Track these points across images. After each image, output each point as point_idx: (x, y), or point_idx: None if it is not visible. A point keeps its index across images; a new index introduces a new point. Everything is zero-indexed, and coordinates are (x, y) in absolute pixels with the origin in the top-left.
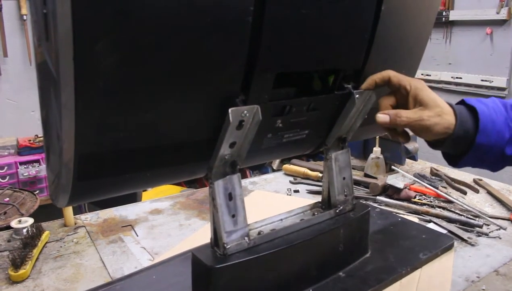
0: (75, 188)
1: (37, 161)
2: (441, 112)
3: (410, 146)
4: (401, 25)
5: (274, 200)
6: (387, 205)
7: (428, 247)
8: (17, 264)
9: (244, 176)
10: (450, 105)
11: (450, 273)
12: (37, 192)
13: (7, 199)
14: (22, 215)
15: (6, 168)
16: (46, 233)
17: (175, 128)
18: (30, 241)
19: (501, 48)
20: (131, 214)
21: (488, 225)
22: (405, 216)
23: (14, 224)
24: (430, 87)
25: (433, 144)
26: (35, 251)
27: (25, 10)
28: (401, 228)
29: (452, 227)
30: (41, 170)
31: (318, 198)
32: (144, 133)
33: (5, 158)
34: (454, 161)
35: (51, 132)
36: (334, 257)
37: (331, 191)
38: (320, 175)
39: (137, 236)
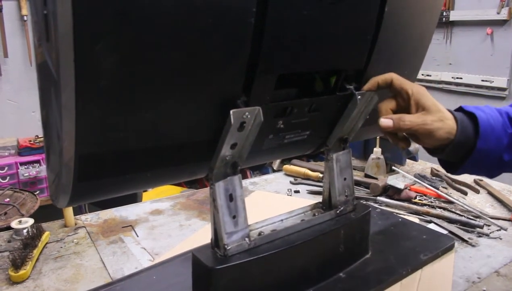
0: (75, 189)
1: (38, 161)
2: (443, 117)
3: (410, 146)
4: (404, 26)
5: (274, 201)
6: (387, 205)
7: (429, 247)
8: (17, 264)
9: (244, 176)
10: (450, 111)
11: (450, 273)
12: (37, 192)
13: (8, 199)
14: (23, 215)
15: (6, 168)
16: (47, 233)
17: (176, 129)
18: (31, 241)
19: (501, 48)
20: (131, 215)
21: (488, 225)
22: (405, 217)
23: (14, 224)
24: (431, 87)
25: (432, 151)
26: (36, 252)
27: (25, 11)
28: (402, 228)
29: (453, 228)
30: (41, 170)
31: (319, 199)
32: (144, 133)
33: (6, 158)
34: (453, 167)
35: (51, 132)
36: (334, 257)
37: (331, 192)
38: (321, 175)
39: (138, 236)
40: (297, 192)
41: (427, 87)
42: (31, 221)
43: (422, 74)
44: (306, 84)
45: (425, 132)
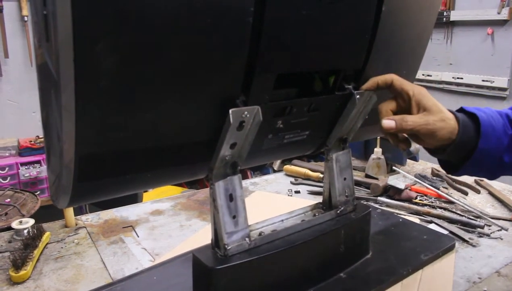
0: (75, 189)
1: (38, 162)
2: (444, 118)
3: (411, 147)
4: (401, 25)
5: (275, 201)
6: (388, 205)
7: (429, 248)
8: (18, 265)
9: (245, 177)
10: (451, 112)
11: (451, 274)
12: (38, 192)
13: (8, 199)
14: (23, 215)
15: (7, 168)
16: (47, 234)
17: (176, 129)
18: (31, 242)
19: (502, 48)
20: (132, 215)
21: (489, 225)
22: (406, 217)
23: (15, 225)
24: (431, 87)
25: (433, 151)
26: (36, 252)
27: (26, 11)
28: (402, 228)
29: (454, 228)
30: (42, 170)
31: (319, 199)
32: (144, 134)
33: (6, 158)
34: (453, 168)
35: (51, 133)
36: (335, 258)
37: (332, 192)
38: (321, 175)
39: (138, 236)
40: (297, 192)
41: (428, 88)
42: (31, 222)
43: (423, 75)
44: (305, 84)
45: (427, 132)
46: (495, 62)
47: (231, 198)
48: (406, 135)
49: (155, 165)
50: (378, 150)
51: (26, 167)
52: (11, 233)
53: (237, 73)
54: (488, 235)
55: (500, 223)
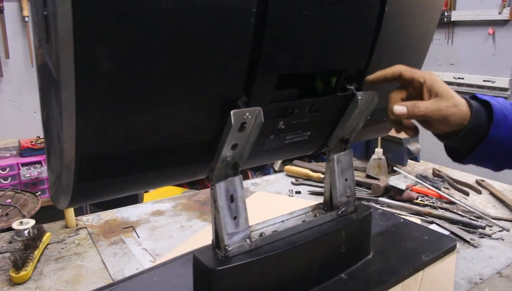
0: (76, 190)
1: (39, 162)
2: (457, 103)
3: (412, 146)
4: (404, 26)
5: (275, 201)
6: (389, 206)
7: (431, 248)
8: (18, 265)
9: (246, 177)
10: (464, 98)
11: (452, 274)
12: (38, 193)
13: (9, 200)
14: (24, 216)
15: (8, 169)
16: (48, 234)
17: (176, 130)
18: (32, 242)
19: (503, 48)
20: (132, 215)
21: (490, 226)
22: (407, 217)
23: (15, 225)
24: None
25: (442, 137)
26: (37, 253)
27: (27, 12)
28: (403, 229)
29: (455, 228)
30: (42, 171)
31: (320, 199)
32: (145, 134)
33: (7, 159)
34: (461, 156)
35: (52, 133)
36: (336, 258)
37: (333, 192)
38: (322, 176)
39: (139, 237)
40: (298, 192)
41: None
42: (32, 222)
43: None
44: (306, 84)
45: (439, 118)
46: (496, 62)
47: (232, 198)
48: (414, 124)
49: (155, 166)
50: (379, 150)
51: (27, 167)
52: (12, 233)
53: (238, 74)
54: (489, 236)
55: (502, 223)
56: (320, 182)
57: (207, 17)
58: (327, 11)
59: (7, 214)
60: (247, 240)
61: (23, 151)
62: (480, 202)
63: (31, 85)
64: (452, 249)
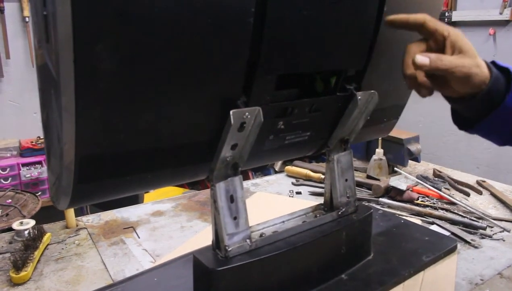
0: (76, 190)
1: (39, 163)
2: (479, 63)
3: (412, 147)
4: None
5: (276, 202)
6: (389, 206)
7: (431, 249)
8: (18, 266)
9: (246, 178)
10: (483, 60)
11: (453, 275)
12: (39, 193)
13: (9, 200)
14: (24, 216)
15: (8, 169)
16: (48, 234)
17: (176, 130)
18: (32, 243)
19: (504, 49)
20: (132, 216)
21: (491, 227)
22: (408, 218)
23: (15, 225)
24: None
25: (454, 100)
26: (37, 253)
27: (27, 12)
28: (404, 230)
29: (455, 229)
30: (43, 171)
31: (320, 200)
32: (145, 135)
33: (8, 159)
34: (468, 124)
35: (51, 134)
36: (336, 259)
37: (333, 193)
38: (322, 176)
39: (139, 238)
40: (298, 193)
41: None
42: (32, 222)
43: None
44: (306, 84)
45: (462, 75)
46: None
47: (232, 199)
48: (429, 83)
49: (155, 166)
50: (379, 151)
51: (27, 167)
52: (12, 234)
53: (238, 74)
54: (490, 237)
55: (503, 224)
56: (320, 182)
57: (206, 17)
58: (326, 11)
59: (7, 214)
60: (247, 240)
61: (23, 151)
62: (481, 203)
63: (32, 86)
64: (452, 249)
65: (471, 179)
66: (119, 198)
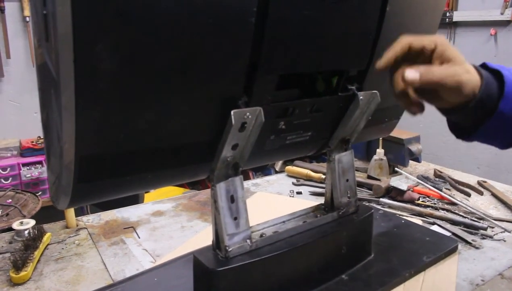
0: (75, 190)
1: (40, 163)
2: (469, 69)
3: (413, 147)
4: (406, 26)
5: (276, 202)
6: (390, 207)
7: (432, 249)
8: (18, 266)
9: (246, 178)
10: (473, 65)
11: (454, 276)
12: (39, 193)
13: (10, 200)
14: (24, 216)
15: (8, 169)
16: (48, 234)
17: (177, 130)
18: (32, 242)
19: (505, 49)
20: (133, 216)
21: (492, 227)
22: (408, 218)
23: (16, 225)
24: None
25: (448, 111)
26: (37, 253)
27: (28, 12)
28: (405, 230)
29: (456, 230)
30: (43, 171)
31: (321, 200)
32: (145, 134)
33: (8, 159)
34: (466, 133)
35: (51, 134)
36: (337, 259)
37: (334, 193)
38: (323, 176)
39: (139, 238)
40: (299, 193)
41: None
42: (32, 222)
43: None
44: (307, 84)
45: (454, 84)
46: (498, 63)
47: (232, 199)
48: (420, 99)
49: (156, 166)
50: (380, 151)
51: (28, 167)
52: (12, 234)
53: (239, 74)
54: (491, 237)
55: (503, 225)
56: (321, 182)
57: (208, 17)
58: (328, 11)
59: (7, 214)
60: (248, 240)
61: (24, 151)
62: (481, 203)
63: (32, 85)
64: (453, 250)
65: (472, 179)
66: (119, 198)
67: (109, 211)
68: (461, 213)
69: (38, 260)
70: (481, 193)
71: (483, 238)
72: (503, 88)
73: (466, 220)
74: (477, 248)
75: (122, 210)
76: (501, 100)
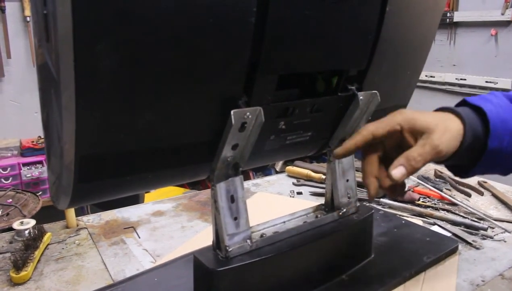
0: (76, 190)
1: (40, 162)
2: (446, 127)
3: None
4: (406, 26)
5: (277, 202)
6: (390, 207)
7: (432, 250)
8: (18, 266)
9: (247, 178)
10: (450, 109)
11: (454, 276)
12: (39, 193)
13: (10, 200)
14: (25, 216)
15: (9, 169)
16: (48, 234)
17: (177, 130)
18: (32, 242)
19: (505, 49)
20: (133, 216)
21: (493, 228)
22: (409, 219)
23: (16, 225)
24: (434, 88)
25: (437, 161)
26: (37, 253)
27: (28, 12)
28: (405, 230)
29: (457, 230)
30: (44, 171)
31: (321, 200)
32: (145, 135)
33: (8, 159)
34: (463, 171)
35: (52, 134)
36: (337, 259)
37: (334, 193)
38: (324, 176)
39: (139, 238)
40: (299, 193)
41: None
42: (32, 222)
43: (426, 76)
44: (307, 84)
45: (436, 157)
46: (499, 63)
47: (232, 199)
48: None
49: (156, 166)
50: None
51: (28, 167)
52: (12, 233)
53: (239, 74)
54: (491, 237)
55: (504, 225)
56: (321, 182)
57: (208, 16)
58: (328, 11)
59: (7, 214)
60: (248, 240)
61: (24, 151)
62: (482, 204)
63: (33, 85)
64: (454, 250)
65: (472, 180)
66: (119, 198)
67: (109, 211)
68: (461, 214)
69: (39, 260)
70: (481, 193)
71: (484, 239)
72: (488, 126)
73: (467, 221)
74: (477, 248)
75: (123, 210)
76: (488, 139)
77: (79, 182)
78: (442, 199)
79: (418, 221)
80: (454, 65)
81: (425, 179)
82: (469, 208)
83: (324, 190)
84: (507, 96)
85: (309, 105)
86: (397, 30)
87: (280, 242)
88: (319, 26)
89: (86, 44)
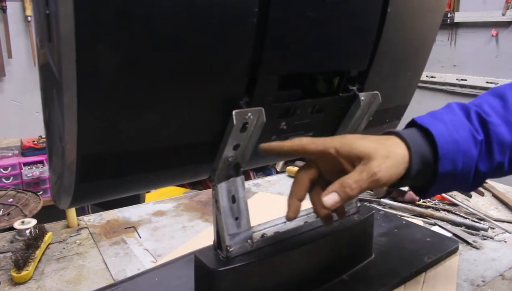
0: (77, 190)
1: (41, 162)
2: (388, 152)
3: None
4: (407, 26)
5: (277, 202)
6: (391, 207)
7: (433, 250)
8: (19, 265)
9: (247, 178)
10: (396, 133)
11: (455, 276)
12: (40, 193)
13: (11, 199)
14: (25, 216)
15: (10, 168)
16: (49, 234)
17: (178, 130)
18: (33, 242)
19: (506, 50)
20: (134, 216)
21: (493, 228)
22: (409, 219)
23: (17, 225)
24: (435, 89)
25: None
26: (38, 252)
27: (30, 12)
28: (406, 231)
29: (457, 230)
30: (44, 171)
31: None
32: (146, 134)
33: (9, 158)
34: (422, 191)
35: (53, 133)
36: (338, 260)
37: None
38: None
39: (140, 237)
40: None
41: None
42: (33, 222)
43: (427, 76)
44: (309, 85)
45: (374, 185)
46: (499, 64)
47: (233, 199)
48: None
49: (157, 166)
50: None
51: (29, 167)
52: (13, 233)
53: (240, 74)
54: (492, 238)
55: (504, 225)
56: None
57: (209, 17)
58: (330, 12)
59: (8, 214)
60: (249, 241)
61: (25, 151)
62: (482, 204)
63: (34, 85)
64: (454, 251)
65: None
66: (120, 198)
67: (110, 210)
68: (462, 214)
69: (40, 260)
70: (482, 194)
71: (484, 239)
72: (436, 149)
73: (467, 221)
74: (477, 248)
75: (123, 209)
76: (439, 164)
77: (80, 182)
78: (442, 199)
79: (418, 221)
80: (454, 65)
81: None
82: (469, 209)
83: None
84: (465, 109)
85: (310, 105)
86: (398, 31)
87: (281, 242)
88: (321, 27)
89: (88, 44)
